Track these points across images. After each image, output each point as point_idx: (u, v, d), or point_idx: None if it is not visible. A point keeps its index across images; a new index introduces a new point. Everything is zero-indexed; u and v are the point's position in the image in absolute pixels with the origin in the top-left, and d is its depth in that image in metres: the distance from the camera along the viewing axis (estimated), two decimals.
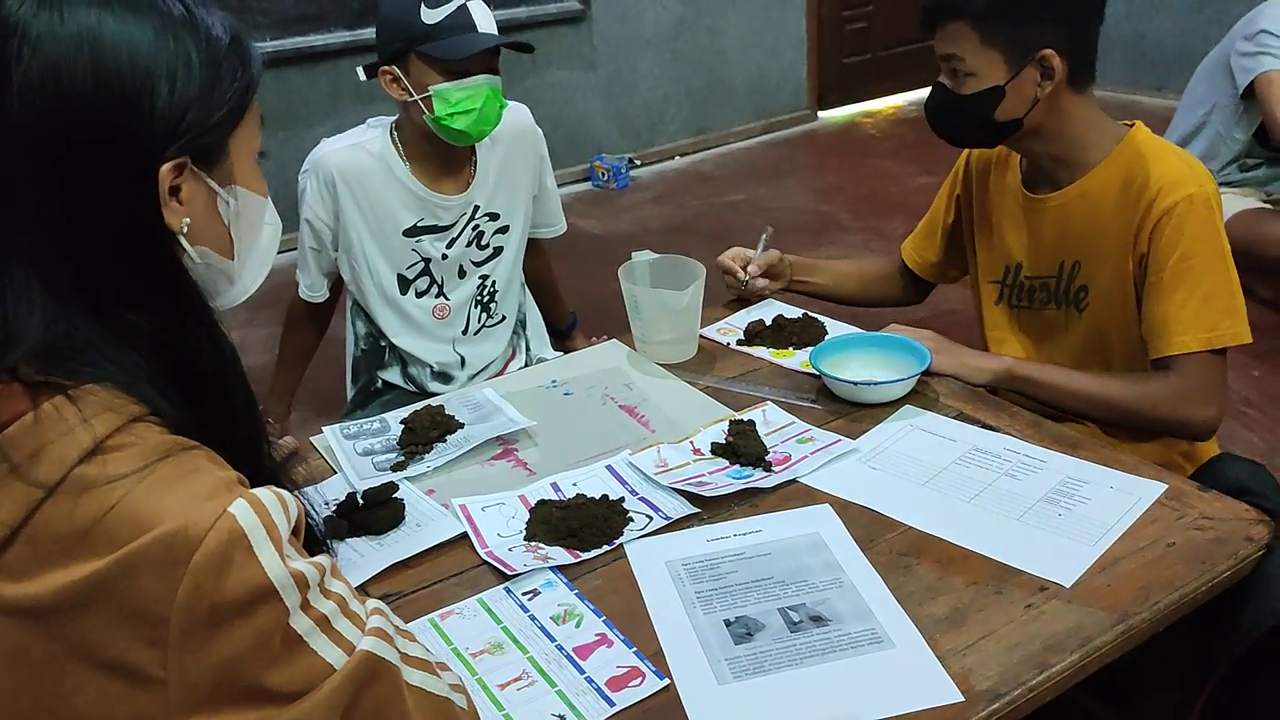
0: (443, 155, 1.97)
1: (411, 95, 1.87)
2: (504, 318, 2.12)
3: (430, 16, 1.83)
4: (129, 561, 0.73)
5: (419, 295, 2.02)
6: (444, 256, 1.99)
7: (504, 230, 2.06)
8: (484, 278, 2.06)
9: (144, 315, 0.84)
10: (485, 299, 2.08)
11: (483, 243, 2.03)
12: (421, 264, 1.99)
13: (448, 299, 2.03)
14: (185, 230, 0.86)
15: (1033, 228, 1.74)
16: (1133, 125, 1.65)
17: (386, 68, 1.88)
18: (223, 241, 0.93)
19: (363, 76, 1.95)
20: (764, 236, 1.96)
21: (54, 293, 0.80)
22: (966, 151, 1.88)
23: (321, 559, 0.82)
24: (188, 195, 0.86)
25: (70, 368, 0.79)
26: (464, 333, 2.07)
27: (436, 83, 1.85)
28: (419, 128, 1.91)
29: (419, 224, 1.96)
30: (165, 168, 0.83)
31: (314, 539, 0.92)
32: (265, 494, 0.79)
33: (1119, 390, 1.58)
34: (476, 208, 2.00)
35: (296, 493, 0.88)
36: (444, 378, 2.06)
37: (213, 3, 0.89)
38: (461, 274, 2.03)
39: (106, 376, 0.80)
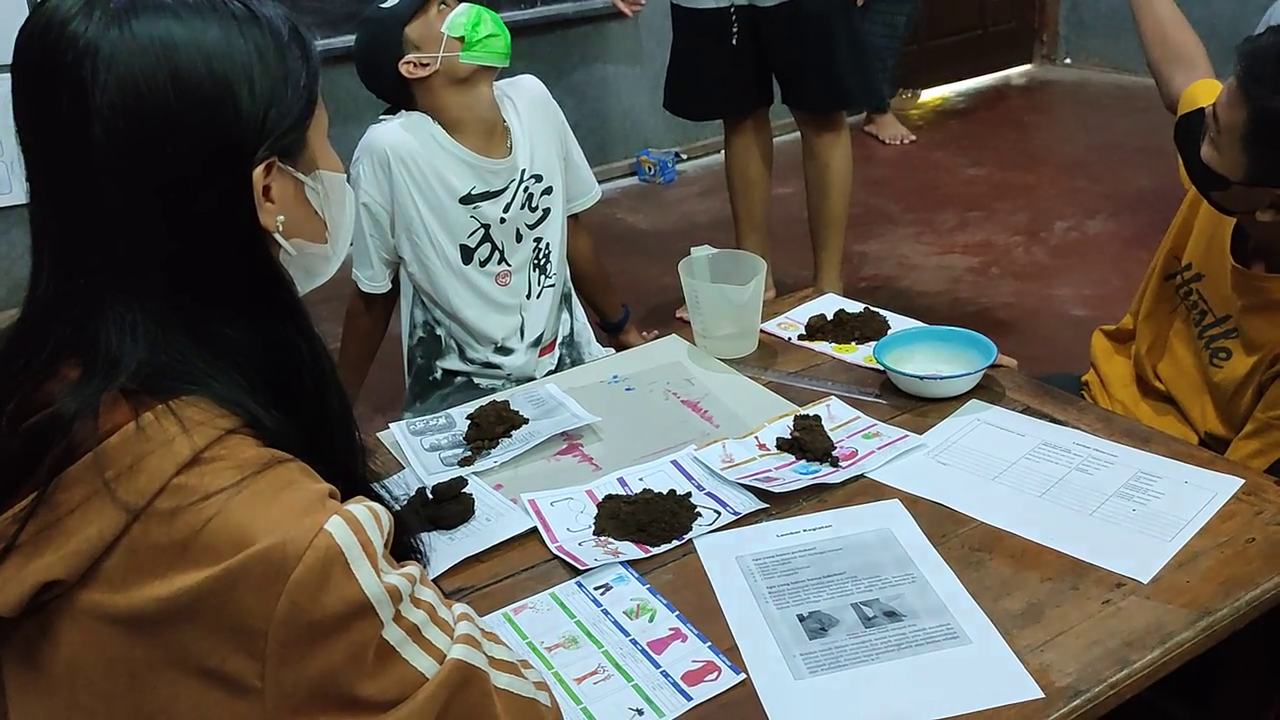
0: (480, 121, 2.04)
1: (438, 50, 1.95)
2: (556, 280, 2.17)
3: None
4: (228, 577, 0.74)
5: (482, 264, 2.07)
6: (502, 220, 2.04)
7: (549, 191, 2.13)
8: (538, 240, 2.13)
9: (243, 327, 0.84)
10: (541, 261, 2.15)
11: (533, 205, 2.11)
12: (481, 230, 2.06)
13: (509, 264, 2.09)
14: (280, 228, 0.86)
15: (1222, 268, 1.64)
16: None
17: (405, 60, 1.95)
18: (316, 228, 0.93)
19: (392, 119, 2.03)
20: None
21: (155, 318, 0.80)
22: None
23: (412, 568, 0.82)
24: (278, 193, 0.86)
25: (171, 385, 0.79)
26: (526, 296, 2.12)
27: (442, 23, 1.95)
28: (454, 96, 1.99)
29: (473, 191, 2.02)
30: (257, 170, 0.83)
31: (405, 545, 0.92)
32: (360, 510, 0.79)
33: None
34: (523, 170, 2.07)
35: (387, 499, 0.89)
36: (504, 351, 2.11)
37: None
38: (519, 238, 2.11)
39: (205, 390, 0.80)
